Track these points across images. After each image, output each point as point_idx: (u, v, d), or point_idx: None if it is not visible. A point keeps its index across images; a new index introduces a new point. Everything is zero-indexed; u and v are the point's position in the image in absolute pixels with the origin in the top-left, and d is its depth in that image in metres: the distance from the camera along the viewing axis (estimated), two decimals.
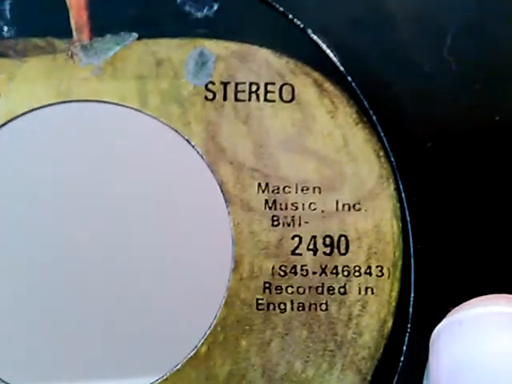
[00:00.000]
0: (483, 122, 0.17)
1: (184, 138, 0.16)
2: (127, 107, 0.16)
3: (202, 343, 0.16)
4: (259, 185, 0.16)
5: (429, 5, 0.17)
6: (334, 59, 0.16)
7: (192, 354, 0.16)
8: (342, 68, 0.16)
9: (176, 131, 0.16)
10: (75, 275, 0.16)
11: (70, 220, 0.16)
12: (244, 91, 0.16)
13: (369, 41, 0.17)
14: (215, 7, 0.16)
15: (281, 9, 0.16)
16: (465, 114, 0.17)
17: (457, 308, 0.14)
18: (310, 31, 0.16)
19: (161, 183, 0.16)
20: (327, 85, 0.16)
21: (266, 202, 0.16)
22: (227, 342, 0.16)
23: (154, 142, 0.16)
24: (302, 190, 0.16)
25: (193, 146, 0.16)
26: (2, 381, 0.15)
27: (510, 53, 0.17)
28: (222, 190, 0.16)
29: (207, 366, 0.16)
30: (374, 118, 0.16)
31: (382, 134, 0.16)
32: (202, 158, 0.16)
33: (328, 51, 0.16)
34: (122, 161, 0.16)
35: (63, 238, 0.16)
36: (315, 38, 0.16)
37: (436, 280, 0.16)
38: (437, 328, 0.14)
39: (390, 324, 0.16)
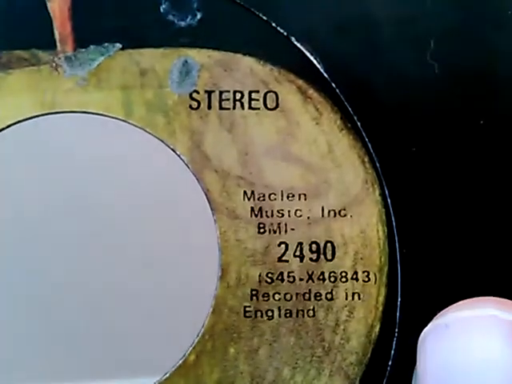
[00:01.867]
0: (468, 126, 0.17)
1: (169, 147, 0.16)
2: (112, 117, 0.16)
3: (191, 351, 0.16)
4: (245, 193, 0.16)
5: (412, 10, 0.17)
6: (318, 66, 0.16)
7: (180, 362, 0.16)
8: (325, 75, 0.16)
9: (161, 141, 0.16)
10: (64, 284, 0.16)
11: (59, 228, 0.16)
12: (228, 99, 0.16)
13: (352, 47, 0.17)
14: (198, 16, 0.16)
15: (264, 17, 0.16)
16: (449, 118, 0.17)
17: (443, 311, 0.14)
18: (293, 39, 0.16)
19: (146, 192, 0.16)
20: (311, 92, 0.16)
21: (252, 209, 0.16)
22: (215, 349, 0.16)
23: (139, 152, 0.16)
24: (288, 197, 0.16)
25: (178, 155, 0.16)
26: None
27: (494, 56, 0.17)
28: (207, 199, 0.16)
29: (196, 374, 0.16)
30: (359, 123, 0.16)
31: (367, 140, 0.16)
32: (188, 166, 0.16)
33: (312, 58, 0.16)
34: (107, 171, 0.16)
35: (57, 245, 0.16)
36: (299, 45, 0.16)
37: (423, 284, 0.16)
38: (423, 331, 0.14)
39: (377, 329, 0.16)
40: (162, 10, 0.16)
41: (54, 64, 0.16)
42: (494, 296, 0.15)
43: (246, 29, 0.17)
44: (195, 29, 0.16)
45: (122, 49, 0.16)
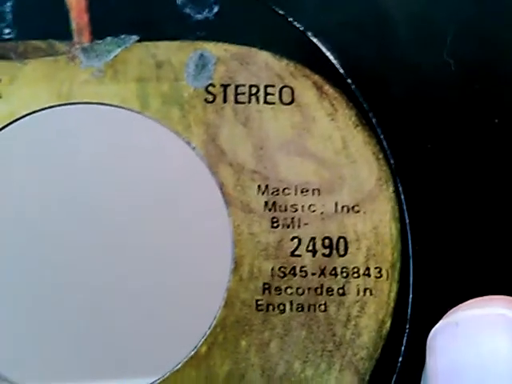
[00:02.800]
0: (483, 124, 0.17)
1: (184, 140, 0.16)
2: (128, 109, 0.16)
3: (202, 343, 0.16)
4: (259, 187, 0.16)
5: (428, 6, 0.17)
6: (334, 62, 0.16)
7: (192, 353, 0.16)
8: (341, 70, 0.16)
9: (176, 134, 0.16)
10: (76, 276, 0.16)
11: (71, 220, 0.16)
12: (244, 93, 0.16)
13: (368, 43, 0.17)
14: (215, 9, 0.16)
15: (281, 12, 0.16)
16: (464, 115, 0.17)
17: (453, 309, 0.15)
18: (309, 34, 0.16)
19: (161, 185, 0.16)
20: (327, 87, 0.16)
21: (266, 203, 0.16)
22: (227, 342, 0.16)
23: (154, 145, 0.16)
24: (302, 192, 0.16)
25: (193, 149, 0.16)
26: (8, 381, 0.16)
27: (510, 54, 0.17)
28: (222, 192, 0.16)
29: (207, 366, 0.16)
30: (374, 120, 0.16)
31: (382, 137, 0.16)
32: (202, 160, 0.16)
33: (328, 54, 0.16)
34: (122, 163, 0.16)
35: (65, 238, 0.16)
36: (315, 40, 0.16)
37: (434, 281, 0.16)
38: (433, 329, 0.14)
39: (388, 325, 0.16)
40: (179, 2, 0.16)
41: (70, 55, 0.16)
42: (505, 294, 0.15)
43: (263, 23, 0.17)
44: (212, 22, 0.16)
45: (139, 41, 0.16)
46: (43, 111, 0.16)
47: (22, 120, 0.16)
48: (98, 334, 0.16)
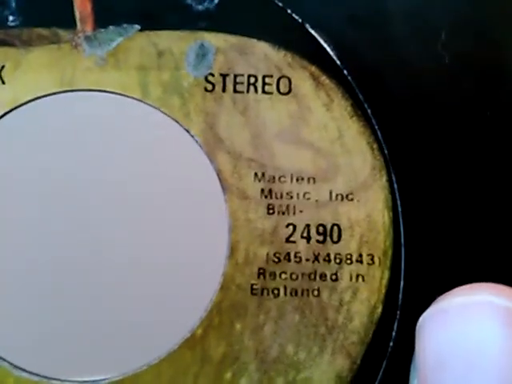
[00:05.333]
0: (476, 116, 0.17)
1: (184, 128, 0.17)
2: (129, 97, 0.17)
3: (198, 326, 0.16)
4: (255, 174, 0.17)
5: (424, 0, 0.17)
6: (331, 53, 0.17)
7: (188, 335, 0.16)
8: (338, 62, 0.17)
9: (176, 121, 0.17)
10: (77, 259, 0.16)
11: (71, 209, 0.17)
12: (242, 83, 0.17)
13: (365, 35, 0.17)
14: (216, 1, 0.17)
15: (280, 3, 0.17)
16: (458, 107, 0.17)
17: (442, 296, 0.15)
18: (307, 26, 0.17)
19: (160, 171, 0.16)
20: (323, 78, 0.17)
21: (262, 190, 0.17)
22: (222, 325, 0.16)
23: (154, 132, 0.17)
24: (297, 180, 0.17)
25: (192, 136, 0.17)
26: (14, 365, 0.16)
27: (504, 47, 0.17)
28: (219, 179, 0.17)
29: (202, 348, 0.16)
30: (369, 111, 0.17)
31: (376, 127, 0.17)
32: (201, 147, 0.17)
33: (325, 45, 0.17)
34: (122, 149, 0.16)
35: (64, 230, 0.17)
36: (313, 32, 0.17)
37: (425, 268, 0.17)
38: (422, 316, 0.15)
39: (379, 310, 0.17)
40: None
41: (73, 43, 0.17)
42: (494, 281, 0.15)
43: (262, 14, 0.17)
44: (212, 13, 0.17)
45: (141, 30, 0.17)
46: (46, 97, 0.17)
47: (25, 106, 0.17)
48: (96, 321, 0.16)
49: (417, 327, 0.15)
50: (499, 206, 0.17)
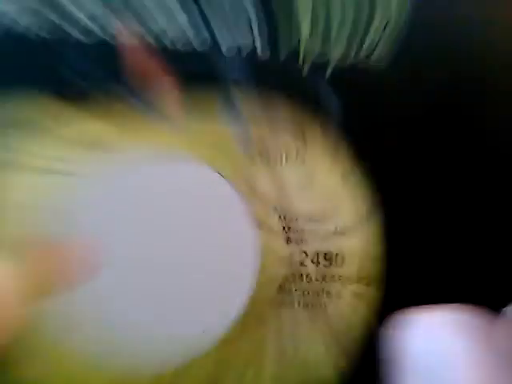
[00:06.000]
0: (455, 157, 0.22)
1: (230, 183, 0.22)
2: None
3: (225, 333, 0.21)
4: (279, 216, 0.22)
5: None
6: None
7: (216, 340, 0.21)
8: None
9: (221, 175, 0.22)
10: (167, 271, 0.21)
11: (150, 235, 0.22)
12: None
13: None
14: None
15: None
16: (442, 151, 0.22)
17: (414, 310, 0.17)
18: None
19: (206, 215, 0.22)
20: (331, 150, 0.22)
21: (284, 228, 0.22)
22: (248, 331, 0.21)
23: (202, 186, 0.22)
24: (309, 220, 0.22)
25: (235, 190, 0.22)
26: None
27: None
28: (255, 219, 0.22)
29: (227, 349, 0.21)
30: (366, 170, 0.22)
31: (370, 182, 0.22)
32: (241, 197, 0.22)
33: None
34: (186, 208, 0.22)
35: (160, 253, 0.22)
36: None
37: (409, 289, 0.21)
38: (393, 327, 0.18)
39: (373, 322, 0.21)
40: None
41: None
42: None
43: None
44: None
45: None
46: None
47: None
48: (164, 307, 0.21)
49: (389, 336, 0.17)
50: (481, 240, 0.21)
